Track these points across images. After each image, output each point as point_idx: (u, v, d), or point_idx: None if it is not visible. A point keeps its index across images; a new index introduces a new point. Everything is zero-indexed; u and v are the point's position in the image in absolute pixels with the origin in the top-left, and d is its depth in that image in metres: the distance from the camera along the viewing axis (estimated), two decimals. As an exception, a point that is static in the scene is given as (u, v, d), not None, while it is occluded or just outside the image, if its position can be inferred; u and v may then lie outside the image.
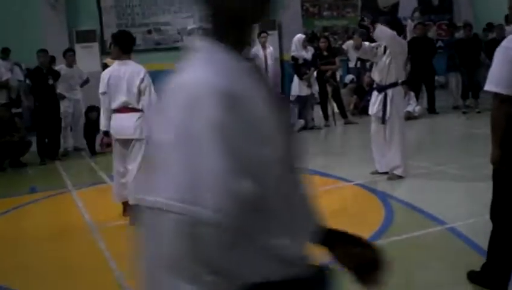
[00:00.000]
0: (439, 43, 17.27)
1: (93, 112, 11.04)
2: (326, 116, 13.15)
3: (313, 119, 12.90)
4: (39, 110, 11.21)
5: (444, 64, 14.61)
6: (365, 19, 8.09)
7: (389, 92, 7.69)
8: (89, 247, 6.09)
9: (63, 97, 11.84)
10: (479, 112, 13.02)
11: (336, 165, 8.98)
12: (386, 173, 7.83)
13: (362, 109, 13.26)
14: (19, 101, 13.56)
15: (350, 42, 14.05)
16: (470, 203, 6.57)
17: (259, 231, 1.39)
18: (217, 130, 1.28)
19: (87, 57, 15.01)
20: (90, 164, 11.00)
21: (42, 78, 11.17)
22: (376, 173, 7.98)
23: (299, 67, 12.63)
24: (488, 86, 3.81)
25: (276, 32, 16.93)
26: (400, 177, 7.72)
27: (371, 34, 7.86)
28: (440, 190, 7.18)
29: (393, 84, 7.73)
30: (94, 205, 7.72)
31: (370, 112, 7.98)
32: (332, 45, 14.43)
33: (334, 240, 1.71)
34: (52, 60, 12.50)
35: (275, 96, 1.52)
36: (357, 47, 8.01)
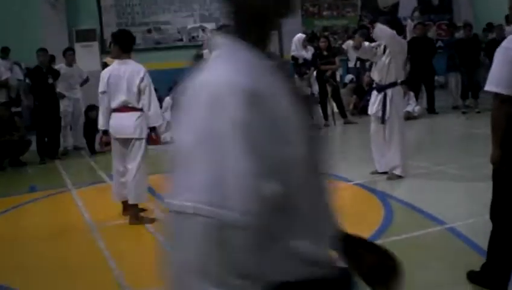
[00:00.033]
0: (439, 43, 17.27)
1: (93, 111, 11.03)
2: (325, 116, 13.15)
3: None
4: (39, 109, 11.20)
5: (444, 64, 14.60)
6: (364, 18, 8.10)
7: (389, 91, 7.69)
8: (88, 246, 6.09)
9: (63, 96, 11.84)
10: (478, 112, 13.02)
11: (336, 164, 8.99)
12: (385, 172, 7.83)
13: (362, 109, 13.26)
14: (18, 100, 13.57)
15: (350, 42, 14.06)
16: (469, 203, 6.57)
17: (283, 232, 1.38)
18: (240, 129, 1.26)
19: (87, 56, 15.02)
20: (89, 163, 11.00)
21: (42, 77, 11.17)
22: (376, 172, 7.98)
23: (299, 67, 12.62)
24: (489, 86, 3.81)
25: (276, 32, 16.91)
26: (400, 177, 7.72)
27: (371, 34, 7.87)
28: (440, 189, 7.18)
29: (393, 84, 7.73)
30: (94, 204, 7.72)
31: (369, 112, 7.98)
32: (332, 45, 14.42)
33: (350, 245, 1.70)
34: (52, 59, 12.50)
35: (299, 96, 1.49)
36: (357, 47, 8.01)
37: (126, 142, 6.66)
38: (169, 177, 1.37)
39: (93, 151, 11.60)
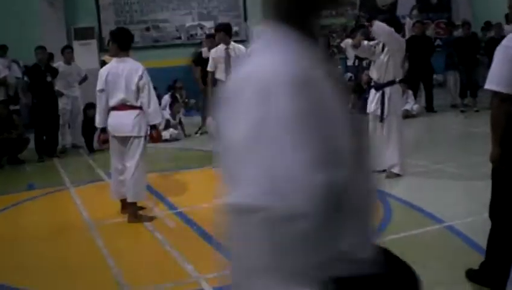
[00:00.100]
0: (438, 42, 17.28)
1: (91, 109, 10.99)
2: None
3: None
4: (37, 107, 11.19)
5: (442, 63, 14.60)
6: (361, 18, 8.11)
7: (387, 90, 7.69)
8: (86, 244, 6.08)
9: (61, 94, 11.82)
10: (477, 111, 13.04)
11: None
12: (383, 171, 7.83)
13: (360, 107, 13.24)
14: (16, 98, 13.54)
15: (348, 40, 14.06)
16: (468, 202, 6.57)
17: (334, 226, 1.34)
18: (294, 120, 1.23)
19: (85, 54, 15.02)
20: (88, 161, 11.00)
21: (40, 75, 11.16)
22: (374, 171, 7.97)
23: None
24: (489, 85, 3.80)
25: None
26: (398, 175, 7.72)
27: (370, 33, 7.87)
28: (438, 188, 7.18)
29: (391, 82, 7.73)
30: (92, 203, 7.71)
31: (368, 110, 7.97)
32: (331, 43, 14.41)
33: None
34: (51, 57, 12.48)
35: (340, 86, 1.47)
36: (356, 45, 8.01)
37: (124, 140, 6.66)
38: (220, 176, 1.34)
39: (91, 150, 11.59)
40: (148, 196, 7.15)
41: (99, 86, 6.71)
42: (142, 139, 6.64)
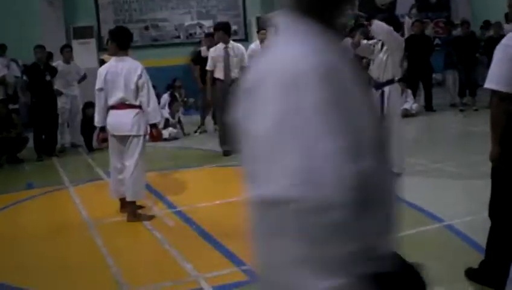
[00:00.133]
0: (437, 41, 17.26)
1: (90, 108, 10.97)
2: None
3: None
4: (36, 106, 11.18)
5: (441, 62, 14.60)
6: (360, 18, 8.10)
7: (386, 89, 7.68)
8: (86, 243, 6.08)
9: (60, 93, 11.81)
10: (476, 110, 13.04)
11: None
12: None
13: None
14: (15, 97, 13.54)
15: (347, 39, 14.05)
16: (467, 201, 6.57)
17: (363, 219, 1.31)
18: (323, 109, 1.22)
19: (84, 53, 15.00)
20: (87, 160, 10.99)
21: (39, 74, 11.15)
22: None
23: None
24: (488, 84, 3.80)
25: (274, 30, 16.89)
26: (397, 174, 7.72)
27: (369, 33, 7.86)
28: (437, 187, 7.18)
29: (390, 81, 7.73)
30: (91, 202, 7.70)
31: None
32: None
33: None
34: (50, 56, 12.47)
35: (361, 80, 1.45)
36: (356, 44, 8.00)
37: (124, 139, 6.65)
38: (247, 170, 1.32)
39: (90, 149, 11.59)
40: (147, 195, 7.14)
41: (98, 85, 6.70)
42: (141, 138, 6.64)
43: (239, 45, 10.45)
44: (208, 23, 17.09)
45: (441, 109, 13.87)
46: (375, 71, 7.80)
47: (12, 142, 10.90)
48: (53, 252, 5.97)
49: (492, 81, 3.77)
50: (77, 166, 10.67)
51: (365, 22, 7.89)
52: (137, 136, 6.60)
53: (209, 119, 12.98)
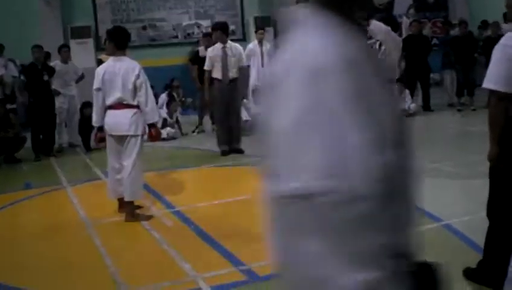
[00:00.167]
0: (434, 41, 17.28)
1: (88, 108, 10.97)
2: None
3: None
4: (34, 106, 11.17)
5: (439, 62, 14.61)
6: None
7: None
8: (84, 243, 6.08)
9: (58, 93, 11.80)
10: (474, 110, 13.05)
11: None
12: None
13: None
14: (13, 97, 13.52)
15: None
16: (465, 201, 6.57)
17: (388, 212, 1.29)
18: (348, 101, 1.21)
19: (82, 53, 14.98)
20: (85, 160, 10.98)
21: (37, 74, 11.13)
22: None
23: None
24: (486, 84, 3.81)
25: (271, 29, 16.90)
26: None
27: (367, 33, 7.86)
28: (435, 187, 7.17)
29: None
30: (89, 202, 7.70)
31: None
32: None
33: None
34: (48, 56, 12.46)
35: (381, 74, 1.43)
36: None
37: (121, 139, 6.65)
38: (267, 166, 1.31)
39: (88, 148, 11.58)
40: (145, 195, 7.14)
41: (95, 85, 6.70)
42: (139, 138, 6.64)
43: (237, 45, 10.46)
44: (205, 23, 17.09)
45: (438, 108, 13.87)
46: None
47: (10, 142, 10.89)
48: (51, 252, 5.97)
49: (491, 81, 3.77)
50: (75, 166, 10.66)
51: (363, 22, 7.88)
52: (135, 136, 6.59)
53: (207, 119, 12.99)
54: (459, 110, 13.50)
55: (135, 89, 6.55)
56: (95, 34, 16.23)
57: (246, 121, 12.06)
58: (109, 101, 6.62)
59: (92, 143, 11.29)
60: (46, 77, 11.22)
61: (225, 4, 17.66)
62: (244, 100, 11.99)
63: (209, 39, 11.79)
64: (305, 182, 1.20)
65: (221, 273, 4.95)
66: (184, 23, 17.43)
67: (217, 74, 10.09)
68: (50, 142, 11.45)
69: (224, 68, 10.04)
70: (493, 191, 4.03)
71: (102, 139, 6.90)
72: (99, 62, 9.14)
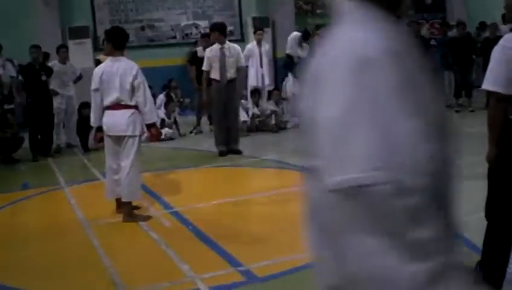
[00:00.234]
0: (432, 42, 17.28)
1: (86, 108, 10.94)
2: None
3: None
4: (32, 106, 11.15)
5: (437, 63, 14.62)
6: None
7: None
8: (82, 244, 6.07)
9: (56, 93, 11.79)
10: (472, 111, 13.06)
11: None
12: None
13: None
14: (11, 97, 13.47)
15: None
16: (463, 202, 6.55)
17: (435, 205, 1.28)
18: (397, 91, 1.21)
19: (80, 53, 14.95)
20: (82, 160, 10.97)
21: (35, 74, 11.12)
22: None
23: (294, 66, 12.60)
24: (485, 85, 3.81)
25: (269, 30, 16.92)
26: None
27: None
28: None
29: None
30: (87, 202, 7.69)
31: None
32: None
33: None
34: (46, 56, 12.45)
35: (424, 65, 1.42)
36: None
37: (119, 139, 6.64)
38: (315, 159, 1.29)
39: (86, 149, 11.57)
40: (143, 196, 7.13)
41: (93, 85, 6.70)
42: (137, 138, 6.63)
43: (235, 45, 10.46)
44: (203, 24, 17.08)
45: (436, 109, 13.85)
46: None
47: (8, 142, 10.88)
48: (49, 252, 5.95)
49: (489, 82, 3.77)
50: (73, 166, 10.65)
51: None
52: (133, 136, 6.59)
53: (205, 120, 12.99)
54: (457, 112, 13.50)
55: (133, 90, 6.54)
56: (93, 35, 16.21)
57: (244, 121, 12.07)
58: (107, 101, 6.62)
59: (90, 143, 11.28)
60: (44, 77, 11.21)
61: (223, 5, 17.66)
62: (242, 101, 11.99)
63: (207, 40, 11.80)
64: (354, 174, 1.19)
65: (220, 274, 4.95)
66: (182, 24, 17.42)
67: (215, 74, 10.09)
68: (48, 143, 11.43)
69: (222, 69, 10.04)
70: (491, 192, 4.03)
71: (102, 139, 6.90)
72: (98, 62, 9.15)
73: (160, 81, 14.90)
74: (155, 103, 10.51)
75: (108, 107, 6.63)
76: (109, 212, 6.89)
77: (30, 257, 5.80)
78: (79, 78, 12.32)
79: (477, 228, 4.36)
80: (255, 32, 13.30)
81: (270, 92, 13.16)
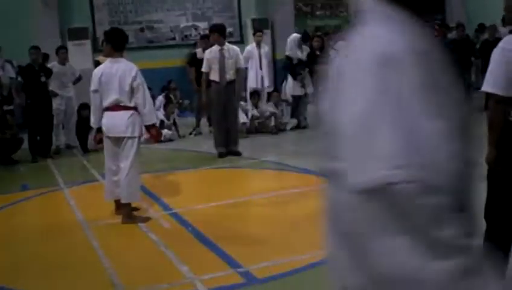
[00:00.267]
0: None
1: (85, 109, 10.96)
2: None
3: (305, 118, 12.90)
4: (31, 107, 11.14)
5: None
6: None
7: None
8: (81, 245, 6.07)
9: (55, 95, 11.78)
10: (471, 112, 13.05)
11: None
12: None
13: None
14: (10, 98, 13.48)
15: (342, 43, 14.04)
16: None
17: (458, 204, 1.29)
18: (421, 89, 1.21)
19: (79, 54, 14.97)
20: (82, 161, 10.97)
21: (34, 76, 11.11)
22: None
23: (293, 68, 12.60)
24: (485, 87, 3.82)
25: (269, 31, 16.93)
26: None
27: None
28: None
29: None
30: (86, 203, 7.69)
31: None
32: (326, 45, 14.41)
33: None
34: (45, 57, 12.45)
35: (449, 69, 1.41)
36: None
37: (118, 140, 6.64)
38: (338, 160, 1.29)
39: (85, 150, 11.56)
40: (142, 197, 7.13)
41: (93, 87, 6.71)
42: (136, 139, 6.63)
43: (234, 47, 10.46)
44: (203, 25, 17.09)
45: (435, 111, 13.87)
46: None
47: (7, 144, 10.88)
48: (48, 253, 5.95)
49: (489, 84, 3.78)
50: (72, 167, 10.66)
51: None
52: (132, 137, 6.59)
53: (204, 121, 12.99)
54: (456, 113, 13.50)
55: (132, 91, 6.54)
56: (92, 36, 16.22)
57: (244, 123, 12.07)
58: (106, 102, 6.62)
59: (90, 144, 11.27)
60: (43, 78, 11.20)
61: (223, 6, 17.67)
62: (242, 102, 11.99)
63: (206, 41, 11.80)
64: (379, 172, 1.19)
65: (219, 275, 4.95)
66: (182, 25, 17.43)
67: (214, 76, 10.09)
68: (47, 144, 11.42)
69: (222, 70, 10.04)
70: (491, 194, 4.03)
71: (102, 140, 6.90)
72: (97, 64, 9.13)
73: (160, 83, 14.91)
74: (154, 104, 10.50)
75: (108, 109, 6.63)
76: (108, 214, 6.89)
77: (29, 258, 5.79)
78: (78, 79, 12.32)
79: (477, 229, 4.36)
80: (254, 34, 13.31)
81: (269, 94, 13.17)
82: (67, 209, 7.52)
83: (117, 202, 6.81)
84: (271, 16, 17.28)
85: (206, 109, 11.66)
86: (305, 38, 14.32)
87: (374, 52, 1.26)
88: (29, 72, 11.20)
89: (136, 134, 6.61)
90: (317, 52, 13.02)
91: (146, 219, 6.66)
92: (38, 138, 11.22)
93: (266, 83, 13.11)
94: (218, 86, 10.03)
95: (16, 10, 15.31)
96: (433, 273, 1.23)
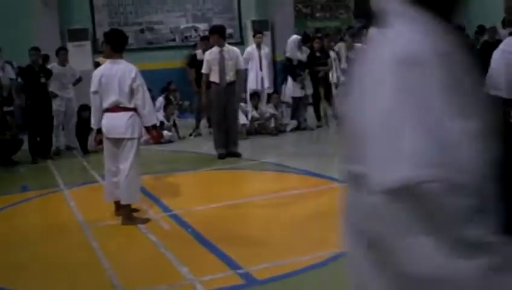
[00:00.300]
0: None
1: (85, 110, 10.96)
2: (318, 117, 13.15)
3: (305, 120, 12.91)
4: (31, 108, 11.14)
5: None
6: (355, 24, 8.18)
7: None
8: (81, 246, 6.06)
9: (55, 96, 11.78)
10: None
11: (329, 165, 8.96)
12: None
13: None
14: (10, 99, 13.48)
15: (342, 44, 14.05)
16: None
17: (481, 203, 1.29)
18: (442, 90, 1.21)
19: (79, 55, 14.96)
20: (82, 163, 10.97)
21: (34, 77, 11.12)
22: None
23: (293, 69, 12.61)
24: (485, 89, 3.82)
25: (269, 33, 16.94)
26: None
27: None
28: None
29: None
30: (86, 204, 7.69)
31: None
32: (325, 46, 14.41)
33: None
34: (45, 58, 12.44)
35: (473, 71, 1.42)
36: (350, 48, 8.03)
37: (118, 142, 6.64)
38: (362, 160, 1.29)
39: (85, 151, 11.56)
40: (142, 198, 7.13)
41: (92, 88, 6.71)
42: (136, 141, 6.63)
43: (234, 48, 10.46)
44: (203, 26, 17.10)
45: (435, 113, 13.86)
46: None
47: (7, 145, 10.88)
48: (48, 254, 5.95)
49: (490, 86, 3.78)
50: (72, 169, 10.66)
51: (364, 29, 7.92)
52: (132, 139, 6.59)
53: (204, 123, 12.99)
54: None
55: (132, 92, 6.54)
56: (92, 37, 16.24)
57: (244, 124, 12.07)
58: (106, 104, 6.62)
59: (90, 145, 11.27)
60: (43, 79, 11.21)
61: (223, 7, 17.68)
62: (242, 104, 12.00)
63: (206, 42, 11.80)
64: (404, 172, 1.19)
65: (219, 276, 4.94)
66: (182, 27, 17.44)
67: (214, 77, 10.10)
68: (47, 145, 11.43)
69: (222, 72, 10.04)
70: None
71: (102, 141, 6.90)
72: (97, 65, 9.12)
73: (160, 84, 14.91)
74: (154, 106, 10.50)
75: (108, 110, 6.63)
76: (108, 215, 6.89)
77: (29, 258, 5.79)
78: (78, 80, 12.32)
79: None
80: (254, 35, 13.31)
81: (269, 95, 13.17)
82: (67, 211, 7.52)
83: (117, 203, 6.81)
84: (271, 18, 17.29)
85: (206, 110, 11.66)
86: (305, 40, 14.31)
87: (396, 52, 1.26)
88: (29, 73, 11.21)
89: (136, 135, 6.61)
90: (317, 54, 13.03)
91: (146, 220, 6.66)
92: (38, 139, 11.22)
93: (266, 84, 13.11)
94: (218, 88, 10.03)
95: (16, 11, 15.32)
96: (459, 272, 1.24)
